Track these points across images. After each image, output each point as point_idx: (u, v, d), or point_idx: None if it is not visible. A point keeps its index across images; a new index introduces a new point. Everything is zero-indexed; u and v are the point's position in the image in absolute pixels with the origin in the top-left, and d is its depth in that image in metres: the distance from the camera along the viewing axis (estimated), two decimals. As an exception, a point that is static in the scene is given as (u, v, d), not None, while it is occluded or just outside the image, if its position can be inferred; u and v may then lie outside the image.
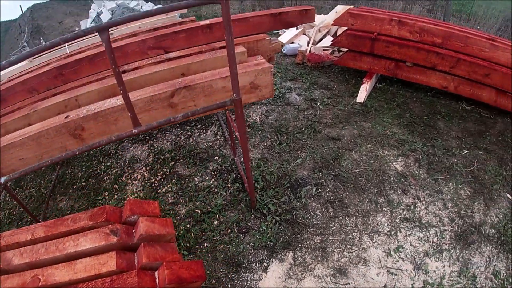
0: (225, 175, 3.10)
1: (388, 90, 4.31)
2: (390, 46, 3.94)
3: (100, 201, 2.99)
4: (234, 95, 1.84)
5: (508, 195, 2.98)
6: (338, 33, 5.14)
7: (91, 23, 10.91)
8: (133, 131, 1.87)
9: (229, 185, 2.99)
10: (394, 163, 3.13)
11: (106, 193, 3.06)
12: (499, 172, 3.15)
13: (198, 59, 2.57)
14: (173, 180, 3.10)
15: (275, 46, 3.39)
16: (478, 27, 6.64)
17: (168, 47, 2.83)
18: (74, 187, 3.20)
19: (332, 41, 4.50)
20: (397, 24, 3.87)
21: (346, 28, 4.28)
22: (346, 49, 4.38)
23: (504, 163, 3.27)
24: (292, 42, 5.60)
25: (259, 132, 3.52)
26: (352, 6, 5.61)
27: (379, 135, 3.44)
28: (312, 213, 2.71)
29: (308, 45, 5.26)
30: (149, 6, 11.43)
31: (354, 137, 3.41)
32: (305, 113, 3.82)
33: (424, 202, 2.81)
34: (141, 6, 11.13)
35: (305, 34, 5.62)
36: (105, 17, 10.19)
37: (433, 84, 4.01)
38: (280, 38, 5.70)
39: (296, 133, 3.47)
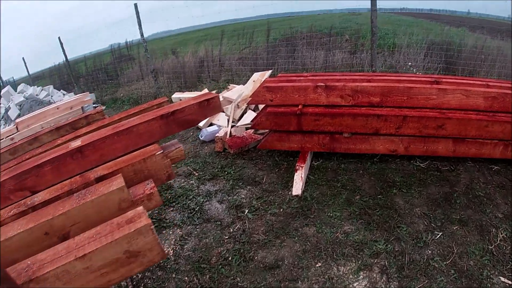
0: None
1: (327, 167, 3.73)
2: (321, 118, 3.41)
3: None
4: None
5: (502, 278, 2.39)
6: (260, 107, 4.63)
7: (1, 120, 10.06)
8: None
9: None
10: (355, 284, 2.42)
11: None
12: (484, 248, 2.59)
13: (61, 209, 1.84)
14: None
15: (175, 154, 2.73)
16: (410, 64, 6.55)
17: (33, 187, 2.24)
18: None
19: (251, 121, 3.93)
20: (324, 90, 3.38)
21: (265, 105, 3.74)
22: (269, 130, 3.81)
23: (485, 232, 2.74)
24: (211, 124, 4.99)
25: (174, 274, 2.68)
26: (269, 73, 5.21)
27: (328, 244, 2.75)
28: None
29: (228, 125, 4.67)
30: (60, 95, 10.76)
31: (298, 257, 2.67)
32: (231, 230, 3.05)
33: None
34: (51, 96, 10.48)
35: (223, 112, 5.04)
36: (13, 113, 9.46)
37: (379, 150, 3.52)
38: (196, 121, 5.09)
39: (222, 267, 2.67)
